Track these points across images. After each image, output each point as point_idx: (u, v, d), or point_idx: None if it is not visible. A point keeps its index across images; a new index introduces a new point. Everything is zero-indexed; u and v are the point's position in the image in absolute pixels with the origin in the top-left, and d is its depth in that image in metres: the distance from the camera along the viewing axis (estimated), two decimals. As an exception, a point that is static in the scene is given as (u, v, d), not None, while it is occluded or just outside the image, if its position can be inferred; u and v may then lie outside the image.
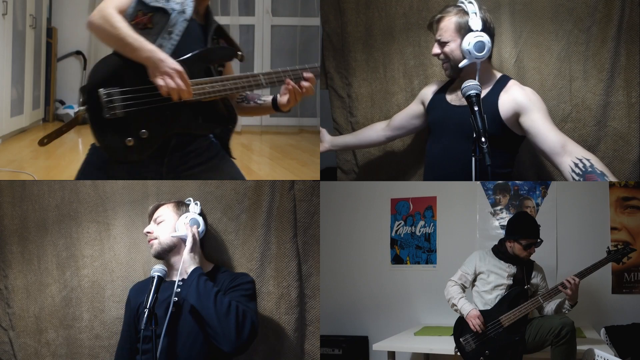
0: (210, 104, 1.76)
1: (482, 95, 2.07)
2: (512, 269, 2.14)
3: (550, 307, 2.11)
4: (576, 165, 1.90)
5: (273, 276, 2.04)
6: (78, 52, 5.12)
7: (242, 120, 4.69)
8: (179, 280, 1.78)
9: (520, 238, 2.12)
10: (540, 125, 2.00)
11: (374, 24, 2.70)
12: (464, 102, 2.14)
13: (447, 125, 2.18)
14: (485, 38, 2.03)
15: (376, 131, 2.56)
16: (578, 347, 1.97)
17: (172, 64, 1.63)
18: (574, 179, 1.89)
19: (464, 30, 2.06)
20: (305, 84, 1.80)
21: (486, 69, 2.13)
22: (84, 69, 5.11)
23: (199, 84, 1.69)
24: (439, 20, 2.11)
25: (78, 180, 1.85)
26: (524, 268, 2.15)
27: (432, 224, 2.88)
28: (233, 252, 2.05)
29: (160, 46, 1.68)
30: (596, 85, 2.33)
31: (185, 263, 1.75)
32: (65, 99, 5.12)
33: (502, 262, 2.16)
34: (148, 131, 1.67)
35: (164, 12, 1.71)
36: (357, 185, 2.93)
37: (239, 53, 1.85)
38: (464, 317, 2.09)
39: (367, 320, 2.90)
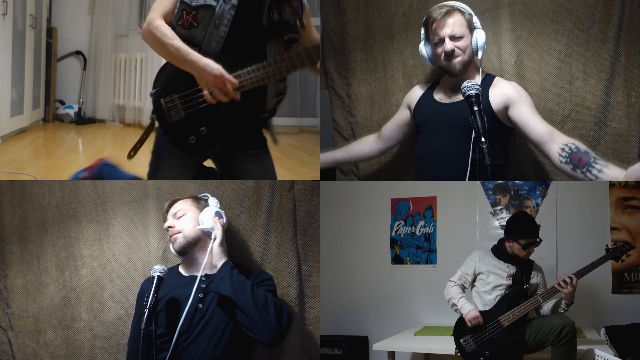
0: (262, 96, 1.79)
1: None
2: (512, 269, 2.13)
3: (547, 306, 2.10)
4: (562, 149, 1.98)
5: (273, 276, 2.03)
6: (78, 52, 5.12)
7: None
8: (202, 276, 1.77)
9: (519, 238, 2.11)
10: (528, 117, 2.07)
11: (374, 24, 2.70)
12: (454, 100, 2.17)
13: (438, 123, 2.20)
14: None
15: (367, 144, 2.54)
16: (578, 347, 1.97)
17: (212, 71, 1.68)
18: (561, 162, 1.96)
19: (472, 27, 2.14)
20: None
21: (477, 66, 2.21)
22: (84, 69, 5.11)
23: (244, 76, 1.71)
24: (448, 15, 2.11)
25: (152, 163, 1.95)
26: (524, 268, 2.14)
27: (432, 224, 2.87)
28: (233, 252, 2.05)
29: (209, 41, 1.73)
30: (596, 85, 2.32)
31: (216, 256, 1.74)
32: (65, 99, 5.12)
33: (501, 262, 2.16)
34: (207, 128, 1.78)
35: (207, 7, 1.72)
36: (357, 185, 2.93)
37: (295, 31, 1.78)
38: (463, 317, 2.09)
39: (367, 320, 2.89)
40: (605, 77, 2.30)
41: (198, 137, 1.79)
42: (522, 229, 2.13)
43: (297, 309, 2.04)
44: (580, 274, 2.03)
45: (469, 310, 2.08)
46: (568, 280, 2.00)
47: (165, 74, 1.81)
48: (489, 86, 2.16)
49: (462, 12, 2.13)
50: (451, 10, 2.12)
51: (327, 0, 2.81)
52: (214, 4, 1.72)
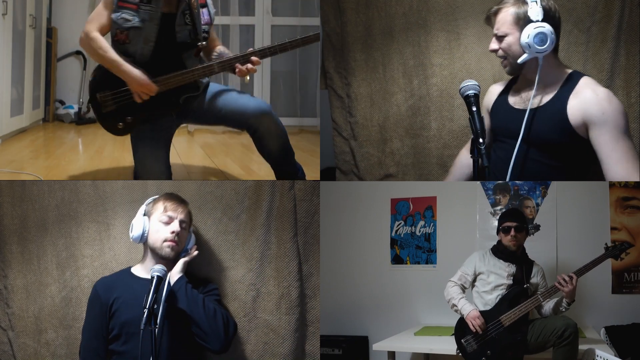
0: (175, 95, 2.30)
1: (549, 97, 1.88)
2: (512, 269, 2.14)
3: (548, 306, 2.11)
4: None
5: (273, 276, 2.04)
6: (78, 52, 5.12)
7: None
8: (157, 277, 1.76)
9: (501, 224, 2.16)
10: (608, 153, 1.76)
11: (374, 24, 2.71)
12: (528, 105, 1.89)
13: (510, 130, 1.94)
14: (547, 29, 1.80)
15: (461, 159, 2.29)
16: (579, 347, 1.97)
17: (143, 81, 2.17)
18: None
19: (522, 21, 1.84)
20: (249, 66, 2.23)
21: (551, 65, 1.90)
22: (84, 69, 5.11)
23: (166, 80, 2.21)
24: (496, 13, 1.91)
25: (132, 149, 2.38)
26: (524, 267, 2.15)
27: (432, 224, 2.87)
28: (233, 252, 2.05)
29: (140, 55, 2.18)
30: (596, 85, 2.32)
31: (177, 267, 1.81)
32: (65, 99, 5.12)
33: (501, 261, 2.16)
34: (131, 116, 2.27)
35: (136, 29, 2.16)
36: (357, 185, 2.93)
37: (200, 40, 2.26)
38: (464, 317, 2.09)
39: (367, 320, 2.90)
40: (605, 77, 2.30)
41: (124, 123, 2.27)
42: (504, 215, 2.20)
43: (298, 309, 2.05)
44: (580, 272, 2.03)
45: (470, 310, 2.08)
46: (568, 278, 1.99)
47: (101, 73, 2.23)
48: (570, 92, 1.84)
49: (515, 6, 1.86)
50: (499, 8, 1.89)
51: (327, 0, 2.81)
52: (141, 25, 2.15)
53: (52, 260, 2.06)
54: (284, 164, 2.43)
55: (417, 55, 2.62)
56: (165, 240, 1.80)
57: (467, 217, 2.79)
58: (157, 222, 1.82)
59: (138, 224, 1.83)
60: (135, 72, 2.16)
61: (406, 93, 2.67)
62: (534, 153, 1.89)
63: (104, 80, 2.21)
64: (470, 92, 1.76)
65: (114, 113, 2.23)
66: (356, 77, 2.77)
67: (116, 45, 2.17)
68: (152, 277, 1.66)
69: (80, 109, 5.07)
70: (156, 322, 1.61)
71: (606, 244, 2.13)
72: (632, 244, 2.17)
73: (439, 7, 2.55)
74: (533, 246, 2.55)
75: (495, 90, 2.15)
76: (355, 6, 2.74)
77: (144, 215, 1.86)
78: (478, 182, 2.74)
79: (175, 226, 1.81)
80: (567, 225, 2.64)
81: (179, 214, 1.84)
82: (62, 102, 5.10)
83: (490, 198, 2.77)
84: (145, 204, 1.89)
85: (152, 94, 2.20)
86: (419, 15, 2.59)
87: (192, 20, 2.24)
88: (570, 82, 1.87)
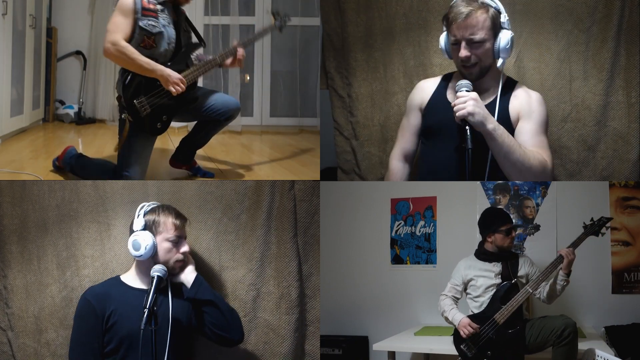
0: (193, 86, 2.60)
1: (492, 98, 1.97)
2: (498, 267, 2.14)
3: (544, 290, 2.11)
4: None
5: (273, 276, 2.04)
6: (78, 52, 5.12)
7: (242, 121, 4.68)
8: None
9: (499, 227, 2.14)
10: (528, 140, 1.88)
11: (374, 24, 2.71)
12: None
13: (451, 128, 1.95)
14: (511, 35, 1.90)
15: (401, 171, 2.25)
16: (578, 347, 1.97)
17: (176, 76, 2.42)
18: None
19: (497, 27, 1.88)
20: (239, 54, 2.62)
21: (497, 70, 2.01)
22: (84, 69, 5.11)
23: (187, 75, 2.49)
24: (469, 16, 1.84)
25: (122, 148, 2.52)
26: (509, 263, 2.15)
27: (432, 224, 2.88)
28: (233, 252, 2.05)
29: (165, 55, 2.46)
30: (596, 85, 2.33)
31: (192, 266, 1.84)
32: (65, 99, 5.12)
33: (486, 263, 2.17)
34: (167, 115, 2.51)
35: (160, 33, 2.42)
36: (357, 185, 2.93)
37: (203, 43, 2.67)
38: (457, 327, 2.09)
39: (367, 320, 2.90)
40: (605, 77, 2.31)
41: (161, 122, 2.50)
42: (499, 219, 2.16)
43: (298, 309, 2.05)
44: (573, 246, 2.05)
45: (460, 319, 2.09)
46: (567, 250, 2.02)
47: (129, 84, 2.43)
48: (511, 95, 1.98)
49: (487, 10, 1.86)
50: (474, 11, 1.85)
51: (327, 0, 2.81)
52: (163, 30, 2.42)
53: (52, 261, 2.06)
54: (198, 146, 2.90)
55: (417, 55, 2.62)
56: (177, 261, 1.79)
57: (467, 217, 2.79)
58: (165, 242, 1.77)
59: (148, 243, 1.73)
60: (168, 69, 2.42)
61: (407, 93, 2.66)
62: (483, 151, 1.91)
63: (136, 88, 2.44)
64: (464, 89, 1.77)
65: (151, 115, 2.45)
66: (357, 77, 2.78)
67: (141, 51, 2.38)
68: (153, 277, 1.66)
69: (80, 109, 5.07)
70: (157, 322, 1.60)
71: (584, 222, 2.12)
72: (611, 217, 2.15)
73: (439, 7, 2.56)
74: (533, 246, 2.56)
75: (427, 86, 2.14)
76: (355, 7, 2.74)
77: (145, 228, 1.76)
78: (478, 182, 2.74)
79: (185, 246, 1.80)
80: (567, 225, 2.64)
81: (184, 231, 1.83)
82: (62, 102, 5.10)
83: (490, 198, 2.77)
84: (142, 216, 1.78)
85: (183, 87, 2.45)
86: (419, 16, 2.59)
87: (191, 27, 2.63)
88: (509, 86, 2.00)
